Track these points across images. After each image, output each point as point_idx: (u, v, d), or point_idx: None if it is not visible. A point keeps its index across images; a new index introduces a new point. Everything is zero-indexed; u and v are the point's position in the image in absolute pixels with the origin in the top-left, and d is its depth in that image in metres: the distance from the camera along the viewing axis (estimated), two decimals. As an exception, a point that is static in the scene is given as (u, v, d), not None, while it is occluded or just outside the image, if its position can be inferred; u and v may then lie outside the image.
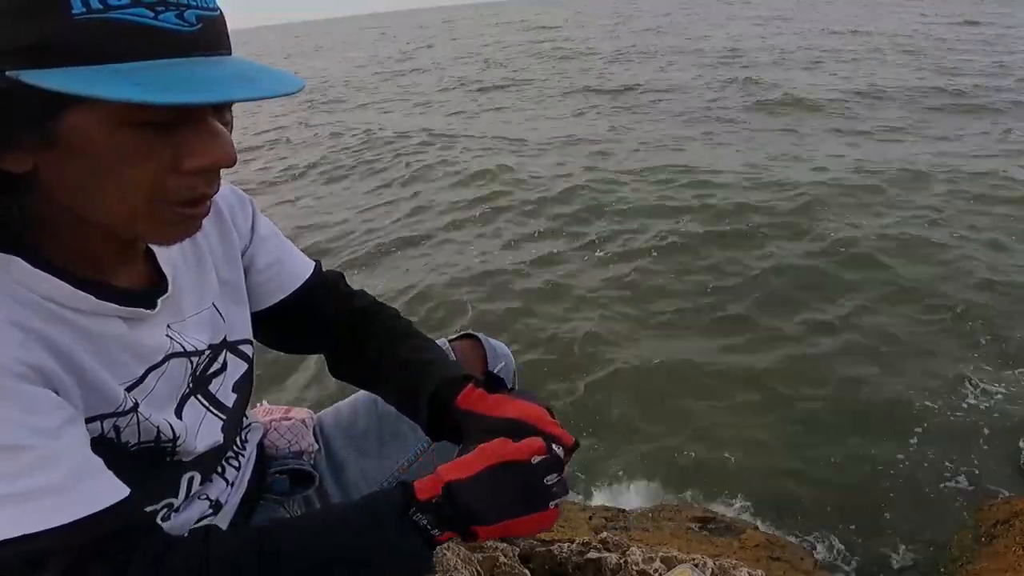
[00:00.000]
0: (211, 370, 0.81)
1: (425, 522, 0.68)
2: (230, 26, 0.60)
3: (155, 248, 0.74)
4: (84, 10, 0.50)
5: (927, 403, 3.14)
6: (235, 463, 0.90)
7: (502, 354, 1.11)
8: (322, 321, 0.98)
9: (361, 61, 22.34)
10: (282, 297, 0.94)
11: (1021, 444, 2.83)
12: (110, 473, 0.60)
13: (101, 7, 0.50)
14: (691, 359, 3.65)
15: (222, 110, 0.63)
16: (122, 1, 0.51)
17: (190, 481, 0.78)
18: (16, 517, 0.53)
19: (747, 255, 4.80)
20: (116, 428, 0.66)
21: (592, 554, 1.39)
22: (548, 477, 0.72)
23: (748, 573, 1.36)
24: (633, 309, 4.24)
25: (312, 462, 1.07)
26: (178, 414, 0.74)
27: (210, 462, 0.82)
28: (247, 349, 0.88)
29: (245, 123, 11.67)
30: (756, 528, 2.48)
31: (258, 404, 1.16)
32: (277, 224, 0.99)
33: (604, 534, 1.55)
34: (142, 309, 0.70)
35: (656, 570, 1.32)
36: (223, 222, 0.86)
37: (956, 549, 2.36)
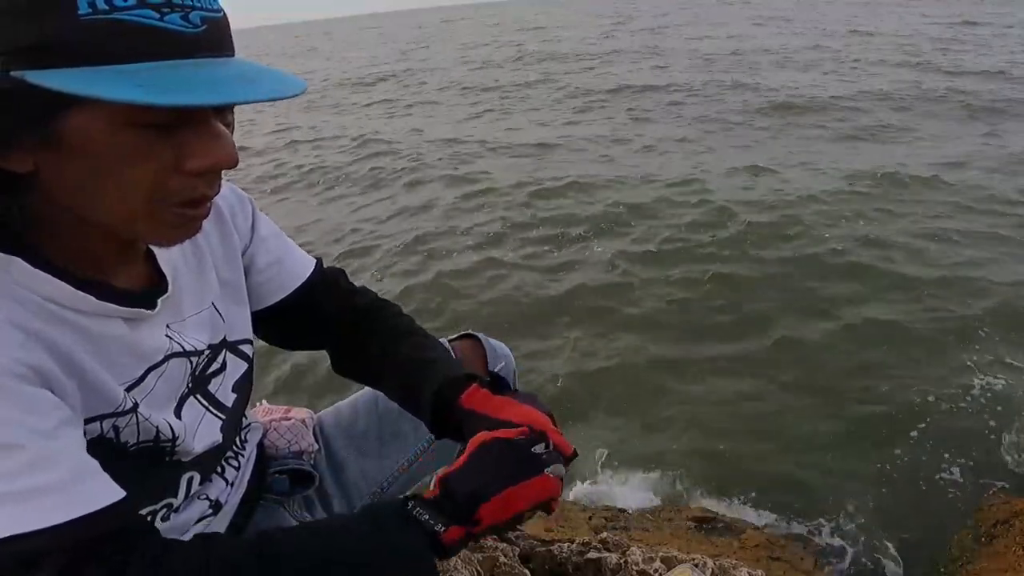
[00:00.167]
0: (211, 370, 0.81)
1: (426, 516, 0.68)
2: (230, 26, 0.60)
3: (155, 248, 0.74)
4: (90, 11, 0.50)
5: (927, 403, 3.14)
6: (235, 463, 0.90)
7: (502, 354, 1.11)
8: (324, 319, 0.98)
9: (359, 62, 22.18)
10: (283, 296, 0.94)
11: (1021, 445, 2.83)
12: (106, 475, 0.60)
13: (107, 8, 0.50)
14: (690, 359, 3.65)
15: (224, 111, 0.63)
16: (128, 2, 0.51)
17: (189, 481, 0.78)
18: (12, 516, 0.53)
19: (745, 256, 4.80)
20: (115, 428, 0.66)
21: (592, 554, 1.39)
22: (536, 447, 0.73)
23: (748, 573, 1.36)
24: (632, 309, 4.24)
25: (312, 462, 1.07)
26: (177, 414, 0.74)
27: (209, 462, 0.83)
28: (247, 349, 0.88)
29: (246, 126, 11.67)
30: (756, 528, 2.48)
31: (258, 404, 1.17)
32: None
33: (604, 534, 1.55)
34: (142, 309, 0.70)
35: (656, 570, 1.32)
36: (223, 222, 0.86)
37: (956, 549, 2.36)
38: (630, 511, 2.60)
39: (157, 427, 0.70)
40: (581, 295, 4.46)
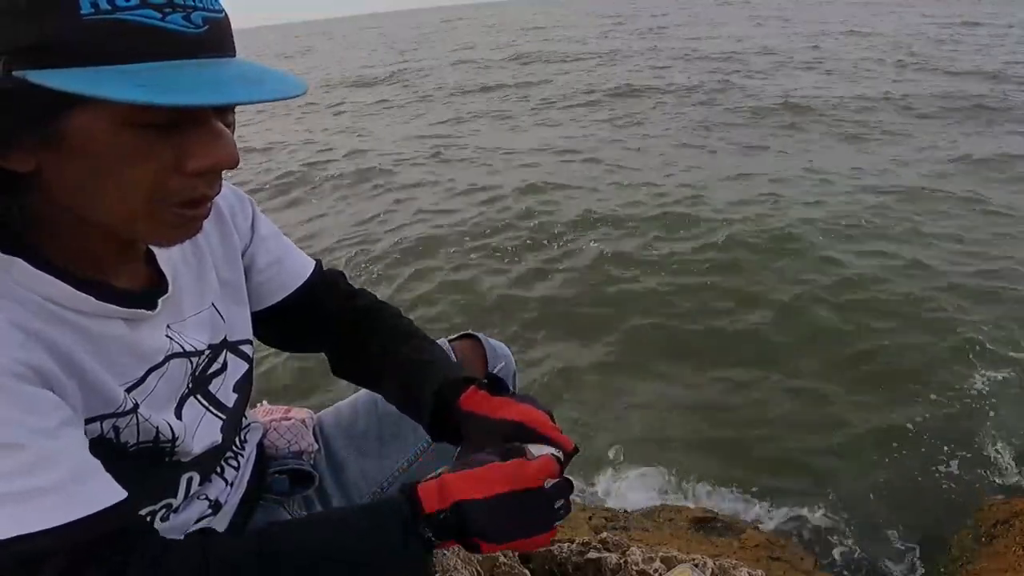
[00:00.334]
0: (211, 370, 0.81)
1: (430, 534, 0.68)
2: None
3: (155, 248, 0.74)
4: (92, 11, 0.50)
5: (927, 403, 3.14)
6: (234, 463, 0.90)
7: (502, 355, 1.11)
8: (323, 320, 0.98)
9: (356, 64, 22.06)
10: (283, 296, 0.94)
11: (1022, 445, 2.83)
12: (107, 475, 0.60)
13: (109, 8, 0.50)
14: (690, 359, 3.65)
15: (225, 111, 0.63)
16: (130, 2, 0.51)
17: (189, 481, 0.78)
18: (13, 517, 0.53)
19: (743, 258, 4.80)
20: (115, 428, 0.66)
21: (592, 554, 1.39)
22: (557, 501, 0.72)
23: (748, 573, 1.36)
24: (630, 309, 4.24)
25: (312, 462, 1.07)
26: (177, 414, 0.74)
27: (209, 462, 0.82)
28: (247, 349, 0.88)
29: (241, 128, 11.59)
30: (756, 528, 2.48)
31: (258, 404, 1.17)
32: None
33: (604, 534, 1.55)
34: (142, 310, 0.70)
35: (656, 570, 1.32)
36: (223, 223, 0.86)
37: (956, 549, 2.36)
38: (630, 511, 2.60)
39: (157, 428, 0.70)
40: (577, 296, 4.47)
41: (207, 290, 0.82)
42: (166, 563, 0.60)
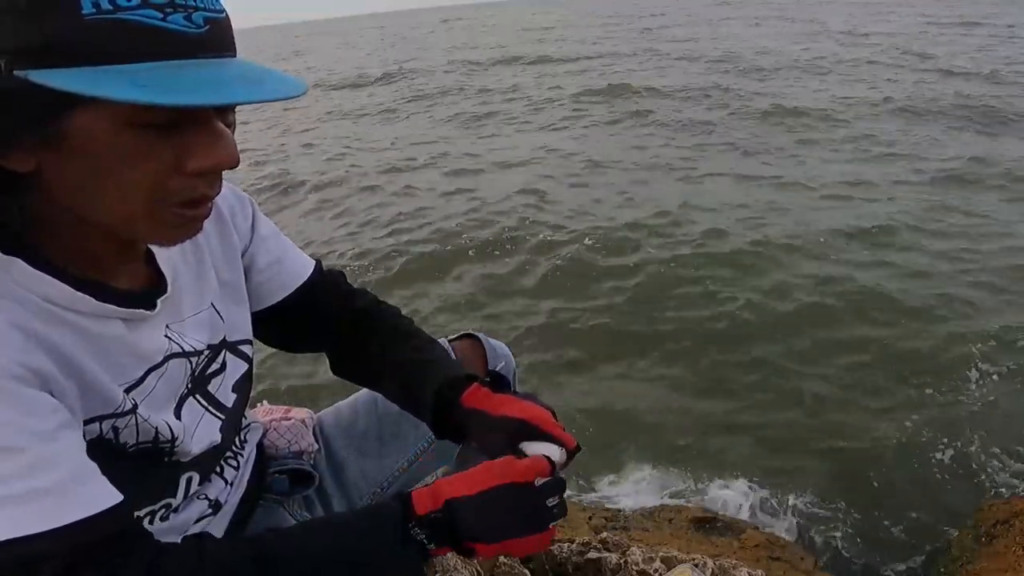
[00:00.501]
0: (210, 370, 0.81)
1: (423, 537, 0.69)
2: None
3: (155, 248, 0.74)
4: (94, 10, 0.50)
5: (927, 404, 3.14)
6: (234, 463, 0.90)
7: (502, 354, 1.11)
8: (324, 319, 0.98)
9: (352, 66, 21.86)
10: (283, 296, 0.94)
11: (1022, 445, 2.83)
12: (104, 478, 0.60)
13: (111, 8, 0.50)
14: (690, 358, 3.65)
15: (225, 111, 0.63)
16: (132, 2, 0.51)
17: (188, 481, 0.78)
18: (12, 519, 0.53)
19: (744, 259, 4.81)
20: (115, 429, 0.66)
21: (592, 554, 1.39)
22: (550, 499, 0.72)
23: (748, 573, 1.36)
24: (629, 308, 4.24)
25: (312, 462, 1.07)
26: (177, 415, 0.74)
27: (208, 462, 0.82)
28: (247, 349, 0.88)
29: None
30: (756, 528, 2.48)
31: (258, 404, 1.16)
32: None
33: (604, 534, 1.55)
34: (142, 310, 0.70)
35: (656, 570, 1.32)
36: (223, 223, 0.86)
37: (956, 549, 2.36)
38: (630, 511, 2.60)
39: (156, 428, 0.70)
40: (575, 296, 4.47)
41: (206, 290, 0.82)
42: (162, 566, 0.60)
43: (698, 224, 5.49)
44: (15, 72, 0.50)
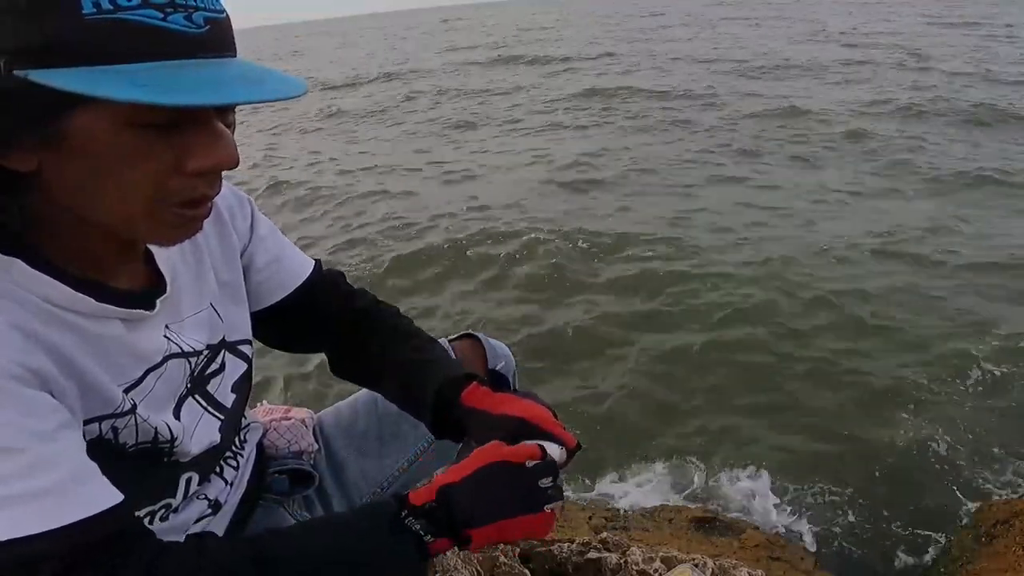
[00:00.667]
0: (209, 370, 0.81)
1: (418, 527, 0.68)
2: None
3: (154, 249, 0.74)
4: (94, 10, 0.50)
5: (927, 403, 3.14)
6: (234, 463, 0.90)
7: (502, 354, 1.11)
8: (323, 319, 0.98)
9: (348, 65, 21.61)
10: (282, 296, 0.94)
11: (1022, 445, 2.84)
12: (104, 478, 0.60)
13: (111, 7, 0.50)
14: (690, 358, 3.65)
15: (225, 112, 0.63)
16: (132, 2, 0.51)
17: (188, 481, 0.78)
18: (11, 519, 0.53)
19: (744, 260, 4.81)
20: (114, 429, 0.66)
21: (592, 554, 1.39)
22: (542, 480, 0.72)
23: (748, 573, 1.36)
24: (629, 306, 4.25)
25: (312, 462, 1.07)
26: (176, 415, 0.74)
27: (208, 462, 0.82)
28: (246, 349, 0.88)
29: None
30: (756, 528, 2.48)
31: (258, 404, 1.17)
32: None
33: (604, 534, 1.55)
34: (141, 310, 0.70)
35: (656, 570, 1.32)
36: (222, 223, 0.86)
37: (956, 549, 2.36)
38: (630, 511, 2.60)
39: (155, 428, 0.70)
40: (570, 301, 4.47)
41: (205, 290, 0.82)
42: (161, 567, 0.60)
43: (698, 226, 5.48)
44: (15, 72, 0.50)
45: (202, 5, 0.55)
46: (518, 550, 1.43)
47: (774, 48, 16.25)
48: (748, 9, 32.58)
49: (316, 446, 1.08)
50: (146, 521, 0.74)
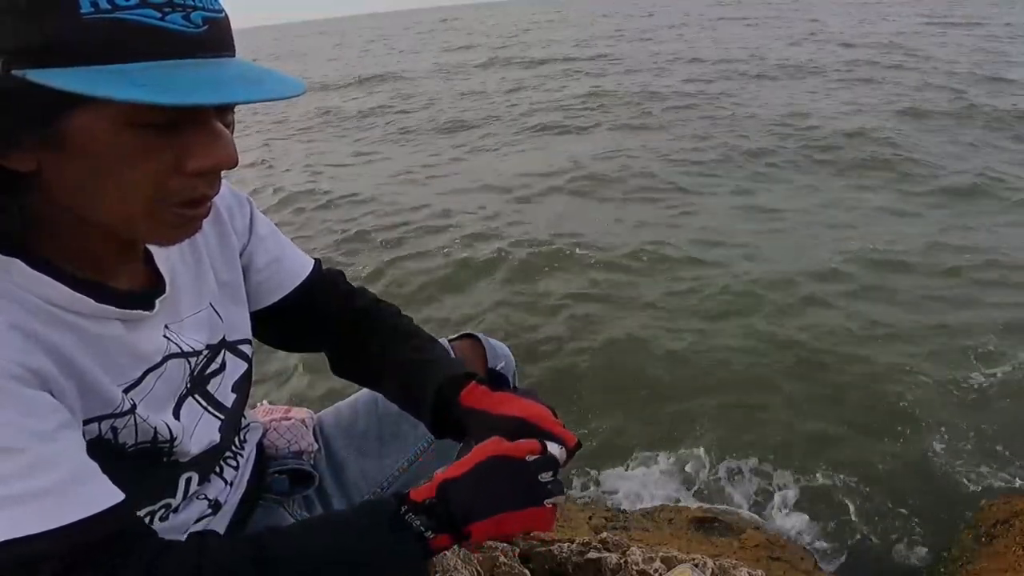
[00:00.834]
0: (209, 370, 0.81)
1: (418, 523, 0.68)
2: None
3: (153, 249, 0.74)
4: (93, 10, 0.50)
5: (928, 403, 3.14)
6: (234, 463, 0.90)
7: (502, 354, 1.11)
8: (323, 319, 0.98)
9: (348, 68, 21.40)
10: (282, 295, 0.93)
11: (1022, 445, 2.84)
12: (105, 477, 0.60)
13: (109, 7, 0.50)
14: (691, 358, 3.65)
15: (224, 111, 0.63)
16: (130, 1, 0.51)
17: (188, 481, 0.78)
18: (11, 519, 0.53)
19: (746, 262, 4.81)
20: (114, 429, 0.66)
21: (592, 554, 1.39)
22: (543, 475, 0.72)
23: (748, 573, 1.36)
24: (628, 305, 4.25)
25: (312, 462, 1.07)
26: (176, 415, 0.74)
27: (208, 462, 0.82)
28: (246, 349, 0.88)
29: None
30: (756, 528, 2.48)
31: (258, 404, 1.17)
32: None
33: (604, 534, 1.55)
34: (140, 311, 0.70)
35: (656, 570, 1.32)
36: (221, 223, 0.86)
37: (956, 549, 2.36)
38: (630, 511, 2.60)
39: (155, 428, 0.70)
40: (572, 298, 4.47)
41: (205, 290, 0.82)
42: (162, 567, 0.60)
43: (695, 229, 5.48)
44: (13, 72, 0.50)
45: (200, 5, 0.55)
46: (518, 550, 1.43)
47: (773, 49, 16.18)
48: (747, 9, 32.53)
49: (316, 446, 1.08)
50: (146, 521, 0.74)
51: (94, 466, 0.60)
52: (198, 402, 0.79)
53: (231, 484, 0.89)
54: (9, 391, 0.55)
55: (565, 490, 0.76)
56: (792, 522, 2.58)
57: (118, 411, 0.66)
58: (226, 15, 0.58)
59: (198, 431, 0.77)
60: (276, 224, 0.97)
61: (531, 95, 12.53)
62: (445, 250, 5.44)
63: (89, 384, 0.63)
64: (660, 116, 9.80)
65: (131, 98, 0.50)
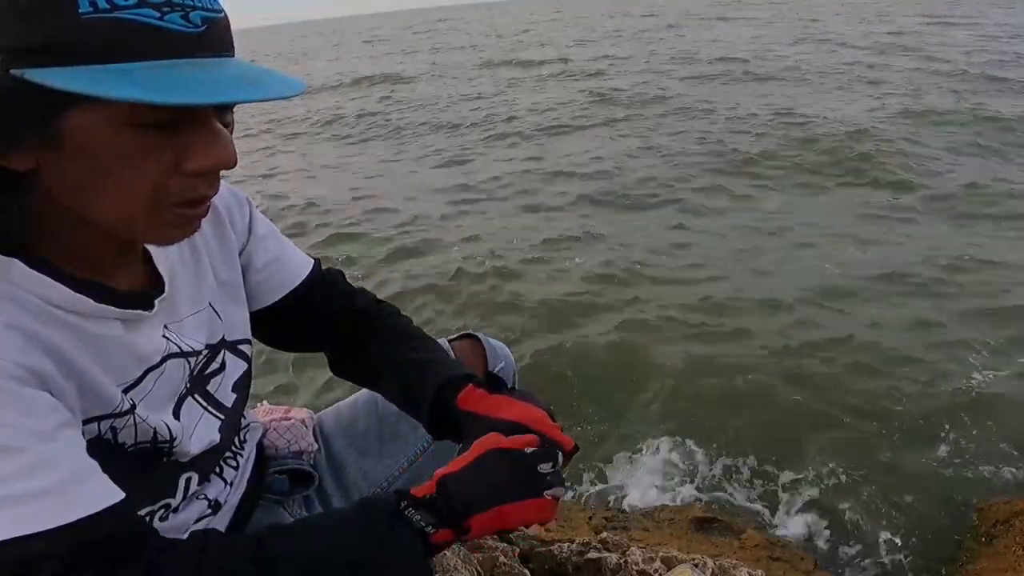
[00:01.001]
0: (209, 370, 0.81)
1: (418, 518, 0.68)
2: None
3: (152, 249, 0.74)
4: (91, 9, 0.50)
5: (928, 403, 3.14)
6: (233, 463, 0.90)
7: (502, 354, 1.12)
8: (323, 319, 0.98)
9: (347, 68, 21.24)
10: (282, 295, 0.94)
11: (1022, 445, 2.83)
12: (105, 476, 0.60)
13: (108, 7, 0.51)
14: (691, 357, 3.65)
15: (223, 111, 0.63)
16: (129, 1, 0.51)
17: (188, 481, 0.78)
18: (11, 519, 0.53)
19: (747, 264, 4.80)
20: (113, 429, 0.66)
21: (592, 554, 1.39)
22: (542, 466, 0.72)
23: (748, 573, 1.36)
24: (629, 307, 4.25)
25: (312, 462, 1.07)
26: (176, 415, 0.74)
27: (208, 462, 0.82)
28: (246, 349, 0.88)
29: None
30: (756, 528, 2.48)
31: (258, 404, 1.17)
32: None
33: (604, 534, 1.55)
34: (139, 311, 0.70)
35: (656, 570, 1.32)
36: (221, 223, 0.86)
37: (956, 549, 2.36)
38: (630, 511, 2.60)
39: (155, 428, 0.70)
40: (574, 301, 4.47)
41: (204, 290, 0.82)
42: (161, 567, 0.60)
43: (700, 230, 5.47)
44: (12, 71, 0.50)
45: (200, 4, 0.55)
46: (518, 550, 1.43)
47: (773, 49, 16.13)
48: (747, 9, 32.48)
49: (316, 446, 1.08)
50: (146, 522, 0.74)
51: (94, 465, 0.60)
52: (198, 402, 0.79)
53: (231, 484, 0.89)
54: (9, 391, 0.55)
55: (565, 486, 0.76)
56: (792, 522, 2.58)
57: (118, 411, 0.66)
58: (225, 15, 0.58)
59: (198, 431, 0.77)
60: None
61: (531, 95, 12.49)
62: (439, 253, 5.43)
63: (88, 384, 0.63)
64: (659, 117, 9.74)
65: (130, 97, 0.50)
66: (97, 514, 0.57)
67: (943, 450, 2.85)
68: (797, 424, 3.10)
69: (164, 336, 0.73)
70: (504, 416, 0.79)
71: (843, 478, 2.75)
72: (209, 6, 0.56)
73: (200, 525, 0.82)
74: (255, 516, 0.96)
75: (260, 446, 1.02)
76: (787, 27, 21.67)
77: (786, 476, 2.80)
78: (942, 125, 8.24)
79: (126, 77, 0.51)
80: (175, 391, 0.75)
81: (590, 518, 2.39)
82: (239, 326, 0.87)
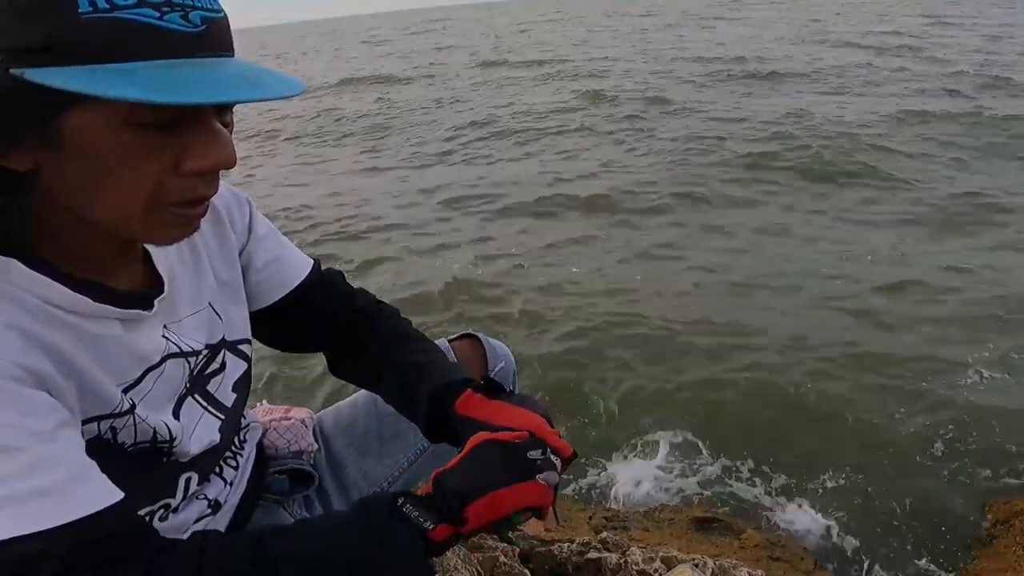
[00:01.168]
0: (209, 370, 0.81)
1: (416, 514, 0.68)
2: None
3: (151, 249, 0.74)
4: (91, 9, 0.50)
5: (928, 404, 3.14)
6: (233, 463, 0.90)
7: (502, 355, 1.12)
8: (322, 319, 0.98)
9: (346, 68, 21.12)
10: (281, 295, 0.94)
11: (1022, 445, 2.83)
12: (105, 476, 0.60)
13: (108, 7, 0.51)
14: (692, 357, 3.65)
15: (223, 111, 0.63)
16: (128, 1, 0.51)
17: (188, 481, 0.78)
18: (11, 519, 0.53)
19: (748, 264, 4.80)
20: (113, 429, 0.66)
21: (592, 554, 1.39)
22: (531, 452, 0.73)
23: (748, 573, 1.36)
24: (630, 305, 4.25)
25: (312, 462, 1.07)
26: (175, 415, 0.74)
27: (208, 462, 0.82)
28: (246, 349, 0.88)
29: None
30: (756, 528, 2.48)
31: (258, 404, 1.17)
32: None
33: (604, 534, 1.55)
34: (139, 311, 0.70)
35: (656, 570, 1.32)
36: (220, 223, 0.86)
37: (956, 549, 2.36)
38: (630, 511, 2.60)
39: (154, 428, 0.70)
40: (574, 299, 4.47)
41: (204, 290, 0.82)
42: (161, 566, 0.60)
43: (700, 231, 5.47)
44: (12, 71, 0.50)
45: (199, 4, 0.55)
46: (518, 550, 1.43)
47: (772, 49, 16.12)
48: (747, 9, 32.45)
49: (316, 446, 1.08)
50: (145, 522, 0.74)
51: (93, 465, 0.60)
52: (198, 402, 0.79)
53: (231, 484, 0.89)
54: (8, 391, 0.55)
55: (564, 485, 0.76)
56: (792, 522, 2.58)
57: (117, 411, 0.66)
58: (225, 15, 0.58)
59: (198, 431, 0.77)
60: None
61: (530, 96, 12.44)
62: (432, 256, 5.40)
63: (88, 384, 0.63)
64: (658, 118, 9.70)
65: (130, 97, 0.50)
66: (97, 514, 0.57)
67: (943, 450, 2.85)
68: (797, 424, 3.10)
69: (164, 336, 0.73)
70: (502, 422, 0.79)
71: (843, 478, 2.75)
72: (209, 6, 0.56)
73: (200, 525, 0.82)
74: (255, 516, 0.96)
75: (260, 446, 1.02)
76: (787, 27, 21.65)
77: (786, 476, 2.80)
78: (942, 126, 8.20)
79: (126, 77, 0.51)
80: (175, 391, 0.75)
81: (590, 518, 2.39)
82: (239, 326, 0.87)
